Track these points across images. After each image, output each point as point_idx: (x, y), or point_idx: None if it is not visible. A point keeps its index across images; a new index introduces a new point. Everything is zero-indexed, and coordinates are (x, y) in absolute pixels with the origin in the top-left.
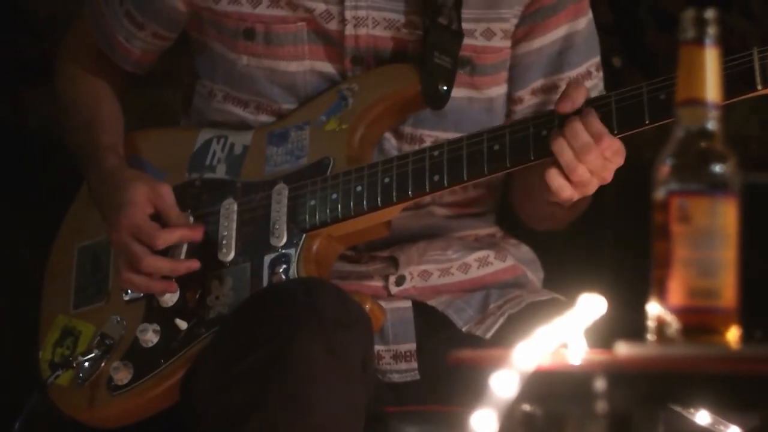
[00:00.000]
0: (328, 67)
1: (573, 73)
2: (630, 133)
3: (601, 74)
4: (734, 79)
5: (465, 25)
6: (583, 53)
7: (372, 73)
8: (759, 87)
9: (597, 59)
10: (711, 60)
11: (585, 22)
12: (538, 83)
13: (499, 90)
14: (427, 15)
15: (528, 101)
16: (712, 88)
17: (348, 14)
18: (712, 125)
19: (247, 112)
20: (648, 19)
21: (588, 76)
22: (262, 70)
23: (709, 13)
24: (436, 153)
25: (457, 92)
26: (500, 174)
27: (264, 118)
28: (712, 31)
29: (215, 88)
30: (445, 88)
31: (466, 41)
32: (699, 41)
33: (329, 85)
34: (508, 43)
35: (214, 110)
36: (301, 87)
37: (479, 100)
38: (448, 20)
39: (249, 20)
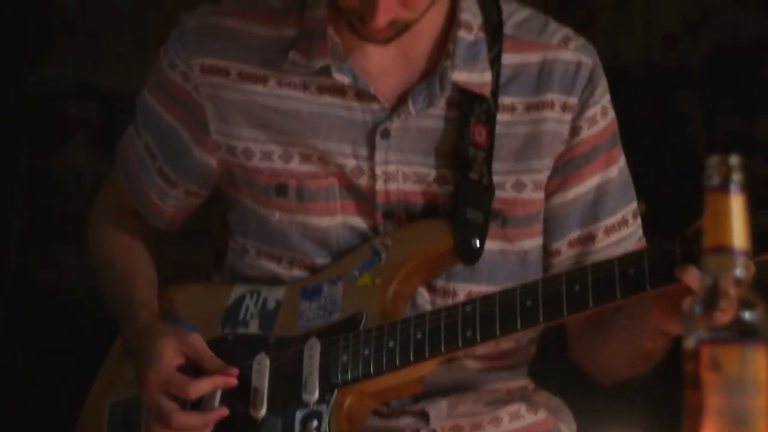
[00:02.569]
0: (359, 222)
1: (609, 222)
2: None
3: (638, 221)
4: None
5: (495, 178)
6: (618, 201)
7: (405, 228)
8: None
9: (633, 205)
10: (737, 206)
11: (617, 169)
12: (575, 234)
13: (533, 242)
14: (458, 169)
15: (566, 253)
16: (739, 235)
17: (378, 169)
18: (740, 272)
19: (281, 267)
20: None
21: (624, 223)
22: (294, 226)
23: (734, 160)
24: (468, 308)
25: (490, 245)
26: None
27: (297, 272)
28: (737, 177)
29: (248, 243)
30: (477, 243)
31: (498, 194)
32: (724, 188)
33: (361, 240)
34: (540, 195)
35: (247, 266)
36: (334, 242)
37: (513, 252)
38: (478, 174)
39: (281, 176)
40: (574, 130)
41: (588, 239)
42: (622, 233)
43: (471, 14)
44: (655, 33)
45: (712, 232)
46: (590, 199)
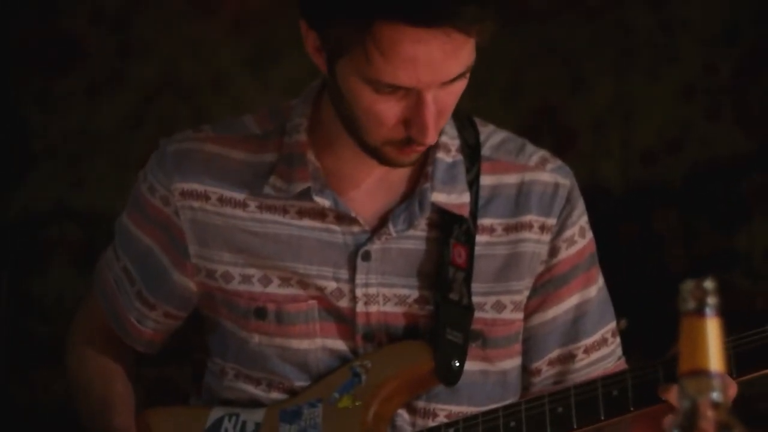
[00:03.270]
0: (339, 344)
1: (589, 341)
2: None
3: (618, 340)
4: (749, 355)
5: (475, 299)
6: (597, 320)
7: (385, 350)
8: None
9: (612, 325)
10: (713, 330)
11: (596, 289)
12: (555, 354)
13: (513, 362)
14: (438, 290)
15: (546, 372)
16: (715, 358)
17: (359, 292)
18: (717, 395)
19: (259, 390)
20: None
21: (604, 342)
22: (273, 348)
23: (709, 284)
24: (452, 430)
25: (470, 366)
26: None
27: (276, 395)
28: (712, 301)
29: (227, 365)
30: (457, 364)
31: (477, 315)
32: (700, 312)
33: (341, 362)
34: (519, 315)
35: (225, 388)
36: (313, 364)
37: (493, 373)
38: (458, 295)
39: (260, 299)
40: (553, 251)
41: (568, 358)
42: (601, 352)
43: (449, 137)
44: (633, 152)
45: (689, 356)
46: (570, 319)
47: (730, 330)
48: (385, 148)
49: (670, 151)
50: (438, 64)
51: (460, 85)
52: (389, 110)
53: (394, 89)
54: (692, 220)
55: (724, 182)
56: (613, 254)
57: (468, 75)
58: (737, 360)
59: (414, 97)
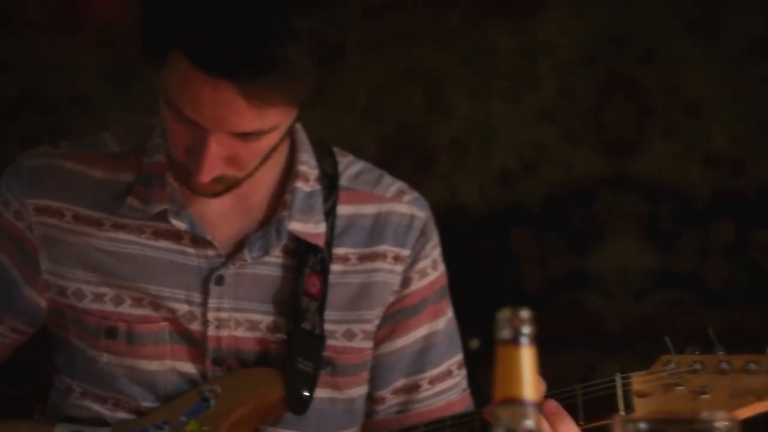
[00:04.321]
0: (189, 368)
1: (434, 372)
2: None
3: (464, 372)
4: (597, 403)
5: (327, 326)
6: (443, 352)
7: (235, 376)
8: (621, 412)
9: (458, 357)
10: (527, 359)
11: (445, 321)
12: (400, 383)
13: (360, 390)
14: (291, 318)
15: (390, 401)
16: (529, 388)
17: (211, 316)
18: (530, 424)
19: (105, 409)
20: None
21: (449, 374)
22: (122, 368)
23: (524, 313)
24: None
25: (319, 393)
26: None
27: (122, 415)
28: (527, 330)
29: (73, 383)
30: (306, 394)
31: (328, 342)
32: (515, 341)
33: (190, 385)
34: (369, 344)
35: (71, 406)
36: (162, 386)
37: (341, 400)
38: (311, 324)
39: (111, 318)
40: (405, 282)
41: (412, 388)
42: (446, 384)
43: (308, 166)
44: (491, 172)
45: (503, 384)
46: (417, 350)
47: (583, 347)
48: (181, 170)
49: (528, 172)
50: (224, 113)
51: (264, 143)
52: (180, 135)
53: (184, 116)
54: (548, 241)
55: (579, 203)
56: (470, 273)
57: (275, 134)
58: (585, 407)
59: (201, 133)
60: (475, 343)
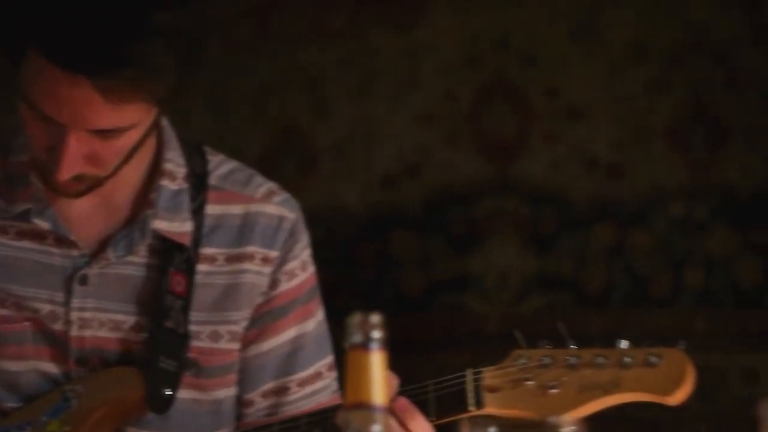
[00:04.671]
0: (52, 368)
1: (304, 375)
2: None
3: (334, 374)
4: (447, 400)
5: (193, 327)
6: (313, 354)
7: (96, 376)
8: (471, 408)
9: (329, 359)
10: (377, 364)
11: (314, 323)
12: (269, 386)
13: (228, 392)
14: (154, 317)
15: (259, 404)
16: (378, 392)
17: (74, 316)
18: (379, 429)
19: None
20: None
21: (319, 377)
22: None
23: (375, 318)
24: None
25: (184, 393)
26: None
27: None
28: (377, 335)
29: None
30: (168, 392)
31: (193, 343)
32: (365, 346)
33: (53, 386)
34: (236, 345)
35: None
36: (25, 386)
37: (206, 402)
38: (175, 323)
39: None
40: (273, 283)
41: (281, 391)
42: (316, 386)
43: (175, 164)
44: (373, 175)
45: (353, 389)
46: (285, 352)
47: (463, 349)
48: (43, 169)
49: (410, 175)
50: (81, 109)
51: (124, 141)
52: (39, 133)
53: (42, 114)
54: (429, 243)
55: (461, 207)
56: (351, 276)
57: (135, 132)
58: (437, 403)
59: (60, 130)
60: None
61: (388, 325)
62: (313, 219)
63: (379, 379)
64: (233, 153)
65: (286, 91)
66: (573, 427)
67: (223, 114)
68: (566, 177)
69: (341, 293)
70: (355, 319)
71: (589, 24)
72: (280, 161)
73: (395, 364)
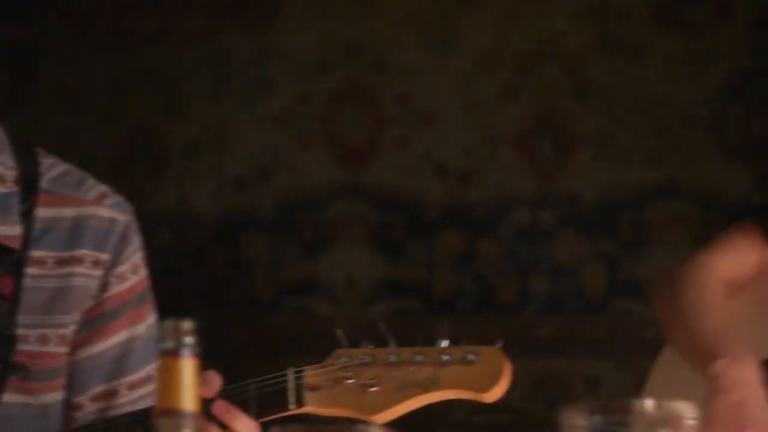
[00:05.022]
0: None
1: (134, 378)
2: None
3: None
4: (268, 398)
5: (21, 331)
6: (143, 358)
7: None
8: (292, 406)
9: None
10: (188, 370)
11: (145, 327)
12: (98, 389)
13: (56, 396)
14: None
15: (88, 407)
16: (188, 399)
17: None
18: None
19: None
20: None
21: (149, 380)
22: None
23: (187, 324)
24: None
25: (10, 398)
26: None
27: None
28: (189, 341)
29: None
30: None
31: (20, 347)
32: (176, 352)
33: None
34: (65, 349)
35: None
36: None
37: (34, 406)
38: (0, 326)
39: None
40: (104, 286)
41: (111, 394)
42: (146, 389)
43: (5, 167)
44: (225, 177)
45: (164, 395)
46: (116, 355)
47: (312, 352)
48: None
49: (261, 178)
50: None
51: None
52: None
53: None
54: (279, 247)
55: (311, 210)
56: (201, 278)
57: None
58: (259, 402)
59: None
60: None
61: (235, 327)
62: (164, 221)
63: (189, 385)
64: (85, 153)
65: (138, 91)
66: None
67: (76, 114)
68: (416, 183)
69: (191, 295)
70: (167, 324)
71: (441, 30)
72: (132, 162)
73: (243, 365)
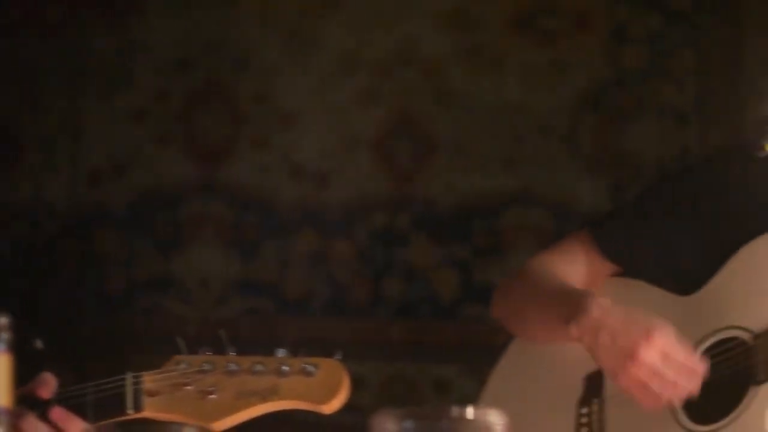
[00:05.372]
0: None
1: None
2: None
3: None
4: (106, 402)
5: None
6: None
7: None
8: (129, 411)
9: None
10: (2, 366)
11: None
12: None
13: None
14: None
15: None
16: (2, 394)
17: None
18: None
19: None
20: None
21: None
22: None
23: (2, 320)
24: None
25: None
26: None
27: None
28: (4, 337)
29: None
30: None
31: None
32: None
33: None
34: None
35: None
36: None
37: None
38: None
39: None
40: None
41: None
42: None
43: None
44: (80, 171)
45: None
46: None
47: (163, 351)
48: None
49: (117, 173)
50: None
51: None
52: None
53: None
54: (133, 244)
55: (167, 208)
56: (53, 272)
57: None
58: (96, 406)
59: None
60: (38, 344)
61: (86, 323)
62: (17, 213)
63: (4, 381)
64: None
65: None
66: None
67: None
68: (273, 183)
69: (43, 289)
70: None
71: (302, 31)
72: None
73: (92, 362)
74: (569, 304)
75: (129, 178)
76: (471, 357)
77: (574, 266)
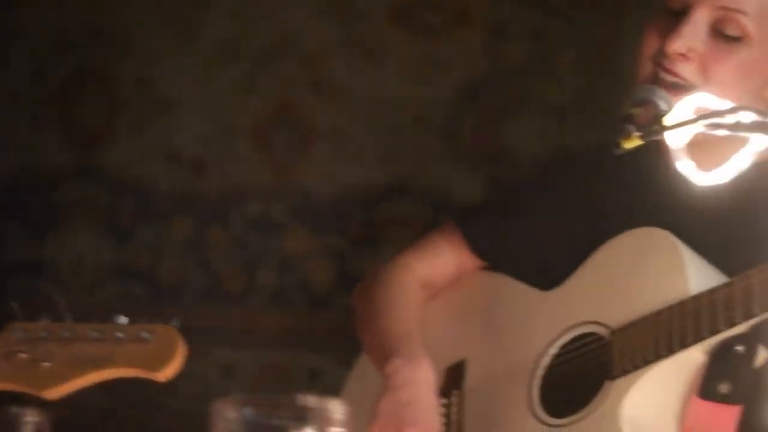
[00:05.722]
0: None
1: None
2: None
3: None
4: None
5: None
6: None
7: None
8: None
9: None
10: None
11: None
12: None
13: None
14: None
15: None
16: None
17: None
18: None
19: None
20: None
21: None
22: None
23: None
24: None
25: None
26: None
27: None
28: None
29: None
30: None
31: None
32: None
33: None
34: None
35: None
36: None
37: None
38: None
39: None
40: None
41: None
42: None
43: None
44: None
45: None
46: None
47: None
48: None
49: None
50: None
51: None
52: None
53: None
54: (6, 226)
55: (41, 191)
56: None
57: None
58: None
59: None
60: None
61: None
62: None
63: None
64: None
65: None
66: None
67: None
68: (149, 169)
69: None
70: None
71: (185, 17)
72: None
73: None
74: (391, 347)
75: (3, 161)
76: (345, 347)
77: (441, 263)
